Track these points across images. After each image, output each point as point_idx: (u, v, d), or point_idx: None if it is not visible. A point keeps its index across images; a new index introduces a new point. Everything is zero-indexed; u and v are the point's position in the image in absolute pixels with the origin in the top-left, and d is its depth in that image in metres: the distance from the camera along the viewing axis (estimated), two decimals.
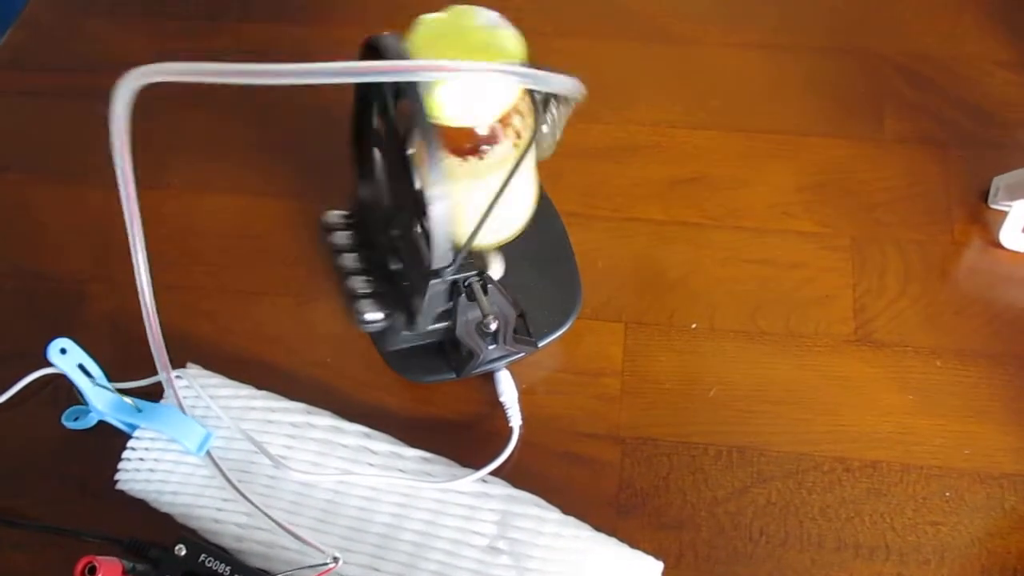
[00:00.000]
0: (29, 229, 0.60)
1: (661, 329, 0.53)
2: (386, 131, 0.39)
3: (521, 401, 0.50)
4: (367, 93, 0.41)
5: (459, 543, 0.45)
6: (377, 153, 0.43)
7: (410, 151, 0.37)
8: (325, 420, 0.49)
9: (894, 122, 0.60)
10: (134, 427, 0.49)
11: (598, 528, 0.46)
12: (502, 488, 0.47)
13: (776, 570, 0.46)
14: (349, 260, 0.42)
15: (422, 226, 0.37)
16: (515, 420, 0.49)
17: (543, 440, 0.50)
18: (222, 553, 0.42)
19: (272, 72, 0.32)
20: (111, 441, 0.49)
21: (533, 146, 0.41)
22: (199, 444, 0.45)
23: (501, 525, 0.46)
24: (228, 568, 0.42)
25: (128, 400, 0.48)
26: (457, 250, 0.38)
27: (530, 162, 0.42)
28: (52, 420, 0.51)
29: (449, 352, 0.49)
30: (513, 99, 0.39)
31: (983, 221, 0.56)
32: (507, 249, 0.49)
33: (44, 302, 0.56)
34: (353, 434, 0.49)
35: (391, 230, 0.41)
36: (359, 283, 0.41)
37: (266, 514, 0.44)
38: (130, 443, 0.49)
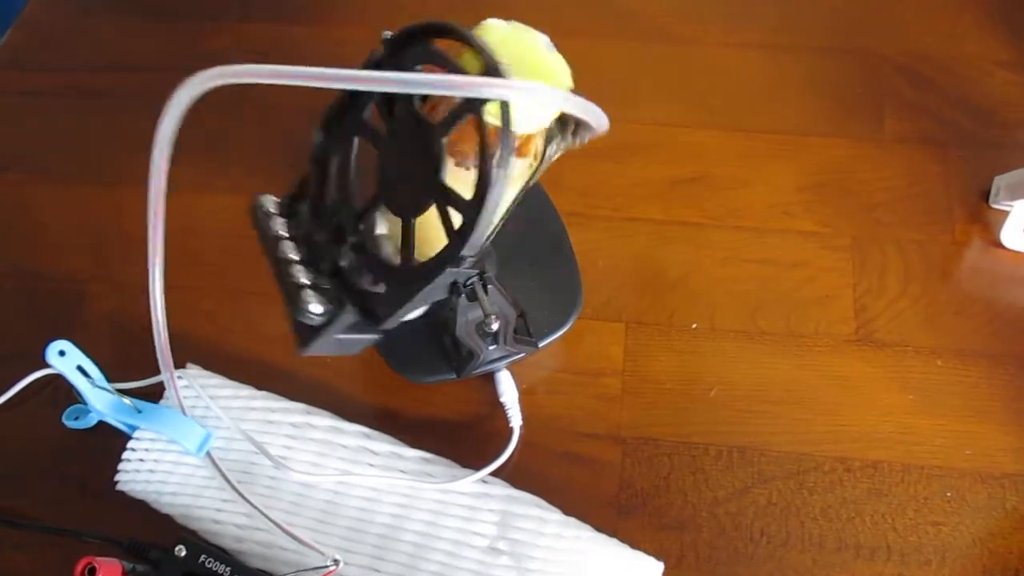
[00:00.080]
0: (29, 229, 0.60)
1: (661, 329, 0.53)
2: (403, 119, 0.39)
3: (521, 401, 0.50)
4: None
5: (459, 544, 0.45)
6: (356, 143, 0.42)
7: (444, 140, 0.37)
8: (325, 420, 0.49)
9: (894, 122, 0.60)
10: (134, 428, 0.49)
11: (599, 529, 0.46)
12: (502, 488, 0.47)
13: (777, 570, 0.46)
14: (290, 249, 0.41)
15: (444, 215, 0.37)
16: (515, 420, 0.49)
17: (543, 440, 0.50)
18: (222, 554, 0.42)
19: (342, 76, 0.33)
20: (111, 441, 0.49)
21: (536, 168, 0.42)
22: (199, 445, 0.45)
23: (502, 526, 0.46)
24: (228, 569, 0.42)
25: (127, 401, 0.48)
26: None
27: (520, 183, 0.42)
28: (52, 420, 0.51)
29: (449, 352, 0.49)
30: (550, 121, 0.40)
31: (984, 221, 0.56)
32: (507, 249, 0.49)
33: (44, 302, 0.56)
34: (353, 434, 0.49)
35: (360, 225, 0.41)
36: (301, 273, 0.40)
37: (266, 515, 0.44)
38: (130, 444, 0.49)
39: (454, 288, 0.40)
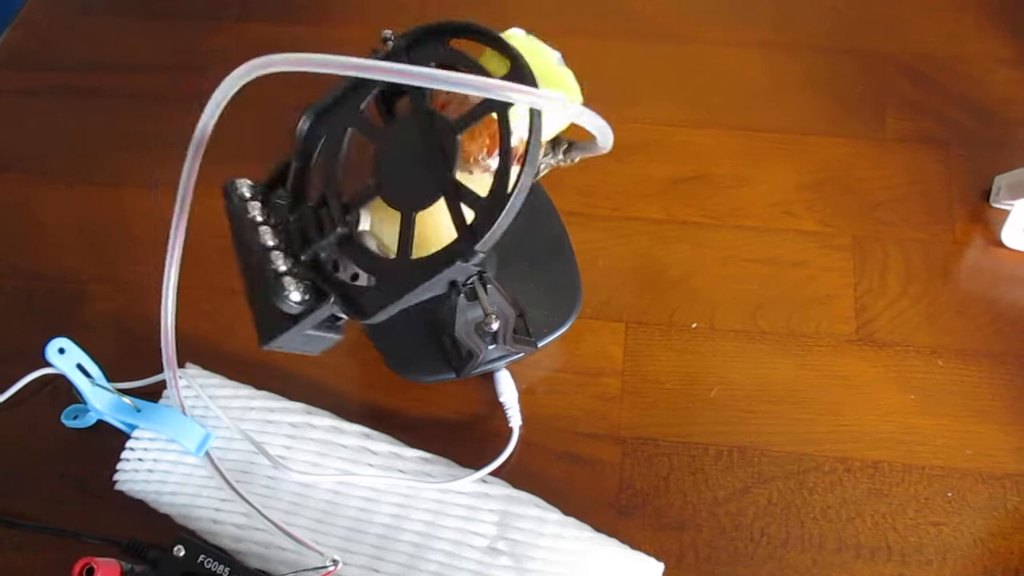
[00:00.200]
0: (29, 229, 0.60)
1: (662, 329, 0.53)
2: (413, 114, 0.39)
3: (521, 401, 0.49)
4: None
5: (459, 544, 0.45)
6: (349, 133, 0.42)
7: (459, 137, 0.38)
8: (325, 420, 0.49)
9: (895, 121, 0.60)
10: (133, 427, 0.49)
11: (599, 529, 0.46)
12: (502, 488, 0.47)
13: (777, 571, 0.46)
14: (268, 235, 0.41)
15: (455, 210, 0.37)
16: (515, 420, 0.49)
17: (543, 440, 0.50)
18: (221, 554, 0.42)
19: (386, 69, 0.34)
20: (110, 441, 0.49)
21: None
22: (198, 444, 0.45)
23: (501, 526, 0.45)
24: (227, 569, 0.42)
25: (127, 400, 0.48)
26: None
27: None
28: (52, 420, 0.51)
29: (449, 352, 0.49)
30: (554, 135, 0.41)
31: (985, 220, 0.56)
32: (507, 249, 0.49)
33: (44, 302, 0.56)
34: (353, 434, 0.49)
35: (347, 217, 0.41)
36: (280, 261, 0.40)
37: (265, 516, 0.44)
38: (129, 443, 0.49)
39: (453, 286, 0.40)
